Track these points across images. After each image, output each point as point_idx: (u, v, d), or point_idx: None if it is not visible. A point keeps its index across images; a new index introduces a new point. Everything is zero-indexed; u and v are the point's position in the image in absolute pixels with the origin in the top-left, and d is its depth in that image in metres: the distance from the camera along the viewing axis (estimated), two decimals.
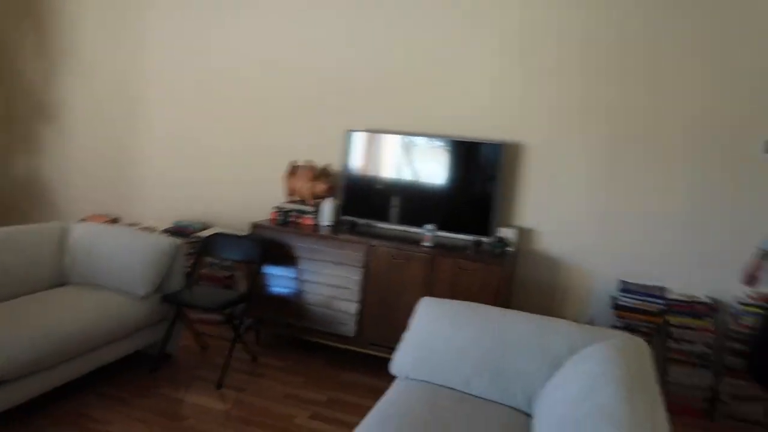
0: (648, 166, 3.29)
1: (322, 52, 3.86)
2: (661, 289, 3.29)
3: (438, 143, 3.49)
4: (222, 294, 3.19)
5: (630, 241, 3.36)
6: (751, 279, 2.69)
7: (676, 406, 3.15)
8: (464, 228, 3.49)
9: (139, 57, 4.37)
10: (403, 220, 3.62)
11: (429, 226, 3.30)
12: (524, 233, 3.53)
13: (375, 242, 3.31)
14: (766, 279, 3.07)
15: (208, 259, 3.87)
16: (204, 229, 4.20)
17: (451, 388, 2.20)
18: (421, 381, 2.26)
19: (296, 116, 3.97)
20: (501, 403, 2.15)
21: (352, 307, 3.36)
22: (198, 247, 3.57)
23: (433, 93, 3.63)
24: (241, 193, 4.16)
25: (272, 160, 4.05)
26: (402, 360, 2.33)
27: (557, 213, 3.47)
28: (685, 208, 3.25)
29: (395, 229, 3.68)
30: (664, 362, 3.19)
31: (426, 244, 3.30)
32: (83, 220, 4.42)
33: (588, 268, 3.45)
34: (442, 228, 3.48)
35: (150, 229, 4.35)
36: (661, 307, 3.17)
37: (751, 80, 3.07)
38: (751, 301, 3.06)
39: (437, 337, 2.30)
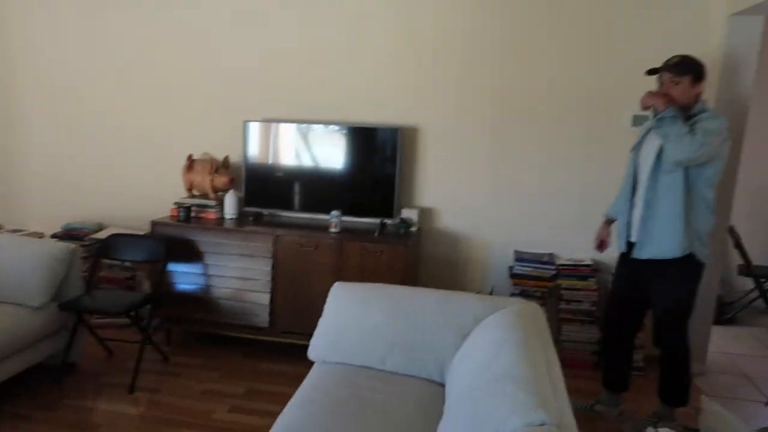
0: (531, 143, 3.54)
1: (212, 44, 3.77)
2: (551, 255, 3.58)
3: (336, 130, 3.55)
4: (125, 296, 3.09)
5: (521, 213, 3.62)
6: (600, 244, 3.03)
7: (570, 362, 3.46)
8: (368, 212, 3.59)
9: (17, 47, 4.04)
10: (308, 207, 3.66)
11: (335, 212, 3.37)
12: (425, 213, 3.69)
13: (281, 232, 3.34)
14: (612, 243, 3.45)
15: (107, 262, 3.70)
16: (99, 230, 4.01)
17: (368, 367, 2.31)
18: (338, 363, 2.35)
19: (190, 110, 3.87)
20: (416, 376, 2.28)
21: (264, 298, 3.37)
22: (95, 250, 3.41)
23: (328, 80, 3.68)
24: (138, 190, 4.01)
25: (168, 155, 3.93)
26: (318, 345, 2.40)
27: (454, 192, 3.66)
28: (564, 181, 3.54)
29: (300, 218, 3.72)
30: (558, 322, 3.48)
31: (333, 230, 3.37)
32: None
33: (485, 241, 3.68)
34: (346, 213, 3.56)
35: (36, 235, 4.09)
36: (552, 272, 3.46)
37: (624, 61, 3.38)
38: None
39: (350, 320, 2.39)
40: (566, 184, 3.55)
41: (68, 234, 3.90)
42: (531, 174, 3.57)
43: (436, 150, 3.64)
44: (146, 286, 3.83)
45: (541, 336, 2.04)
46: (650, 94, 2.58)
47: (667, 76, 2.59)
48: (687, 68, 2.56)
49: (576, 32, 3.40)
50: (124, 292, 3.18)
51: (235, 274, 3.39)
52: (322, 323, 2.46)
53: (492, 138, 3.57)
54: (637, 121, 3.40)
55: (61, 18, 3.94)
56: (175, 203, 3.61)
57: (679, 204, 2.55)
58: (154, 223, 3.46)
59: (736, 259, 4.54)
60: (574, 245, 3.60)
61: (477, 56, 3.51)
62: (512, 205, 3.62)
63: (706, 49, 3.19)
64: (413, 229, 3.52)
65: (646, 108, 2.64)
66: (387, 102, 3.63)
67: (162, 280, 3.29)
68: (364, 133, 3.53)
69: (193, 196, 3.74)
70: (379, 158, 3.53)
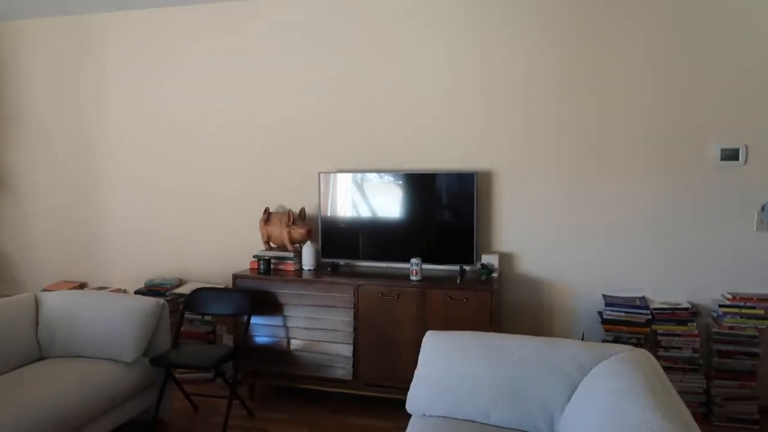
0: (609, 180, 3.42)
1: (281, 96, 3.88)
2: (642, 299, 3.39)
3: (410, 177, 3.54)
4: (211, 351, 3.08)
5: (604, 255, 3.46)
6: None
7: None
8: (447, 259, 3.52)
9: (93, 116, 4.28)
10: (384, 256, 3.62)
11: (415, 260, 3.31)
12: (504, 258, 3.59)
13: (362, 281, 3.29)
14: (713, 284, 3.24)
15: (188, 317, 3.74)
16: (179, 285, 4.08)
17: (472, 421, 2.19)
18: (439, 417, 2.24)
19: (264, 163, 3.95)
20: (522, 430, 2.15)
21: (347, 350, 3.31)
22: (181, 305, 3.45)
23: (396, 127, 3.69)
24: (215, 244, 4.08)
25: (243, 209, 4.00)
26: (416, 397, 2.30)
27: (532, 235, 3.55)
28: (650, 218, 3.39)
29: (377, 266, 3.68)
30: None
31: (414, 278, 3.30)
32: (46, 289, 4.21)
33: (569, 286, 3.53)
34: (425, 261, 3.50)
35: (120, 291, 4.19)
36: (647, 317, 3.27)
37: (702, 89, 3.27)
38: (729, 303, 3.19)
39: (449, 370, 2.29)
40: (652, 223, 3.39)
41: (150, 290, 3.98)
42: (611, 213, 3.44)
43: (510, 193, 3.57)
44: (227, 339, 3.83)
45: (662, 383, 1.89)
46: None
47: None
48: None
49: (651, 61, 3.32)
50: (209, 346, 3.18)
51: (317, 325, 3.35)
52: (419, 374, 2.36)
53: (568, 177, 3.48)
54: (725, 154, 3.25)
55: (131, 81, 4.16)
56: (255, 256, 3.64)
57: None
58: (236, 276, 3.49)
59: None
60: (666, 287, 3.41)
61: (544, 94, 3.46)
62: (594, 246, 3.48)
63: None
64: (495, 275, 3.42)
65: None
66: (457, 147, 3.61)
67: (246, 334, 3.28)
68: (440, 179, 3.50)
69: (271, 249, 3.77)
70: (456, 204, 3.48)
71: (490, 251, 3.59)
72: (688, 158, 3.32)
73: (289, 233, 3.65)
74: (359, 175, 3.63)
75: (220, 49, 3.97)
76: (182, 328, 3.79)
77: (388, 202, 3.60)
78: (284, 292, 3.41)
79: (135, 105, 4.19)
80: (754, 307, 3.16)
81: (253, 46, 3.91)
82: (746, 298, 3.19)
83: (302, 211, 3.75)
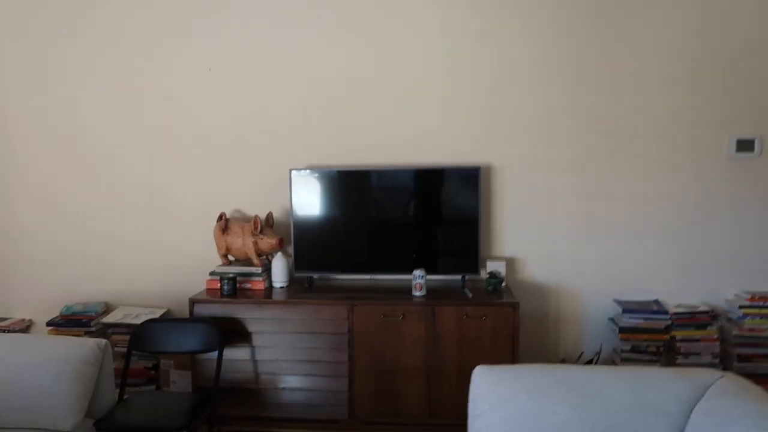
0: (617, 177, 3.11)
1: (245, 82, 3.19)
2: (657, 302, 3.12)
3: (400, 174, 3.02)
4: (175, 401, 2.40)
5: (613, 257, 3.15)
6: None
7: None
8: (447, 267, 3.04)
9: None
10: (372, 268, 3.08)
11: (418, 272, 2.80)
12: (508, 263, 3.17)
13: (359, 300, 2.74)
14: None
15: (117, 350, 2.97)
16: (105, 312, 3.28)
17: None
18: None
19: (216, 161, 3.24)
20: None
21: (341, 384, 2.74)
22: (111, 336, 2.71)
23: (383, 118, 3.15)
24: (155, 260, 3.30)
25: (193, 215, 3.26)
26: None
27: (537, 237, 3.16)
28: (661, 214, 3.12)
29: (360, 280, 3.13)
30: None
31: (418, 293, 2.79)
32: None
33: (577, 291, 3.18)
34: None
35: (25, 323, 3.32)
36: (666, 322, 2.99)
37: (715, 80, 3.03)
38: (749, 303, 2.99)
39: (524, 418, 1.81)
40: (662, 222, 3.12)
41: (68, 319, 3.16)
42: (621, 212, 3.13)
43: (512, 190, 3.15)
44: (176, 377, 3.10)
45: None
46: None
47: None
48: None
49: (665, 47, 3.02)
50: (169, 395, 2.49)
51: (302, 356, 2.75)
52: (477, 425, 1.87)
53: (574, 173, 3.12)
54: (742, 146, 3.03)
55: (41, 55, 3.28)
56: (214, 273, 2.96)
57: None
58: (194, 301, 2.79)
59: None
60: (678, 289, 3.15)
61: (551, 82, 3.07)
62: (603, 248, 3.15)
63: None
64: (504, 284, 2.99)
65: None
66: (454, 140, 3.13)
67: (219, 375, 2.59)
68: (435, 176, 3.01)
69: (230, 263, 3.09)
70: (456, 205, 3.01)
71: (492, 257, 3.16)
72: (701, 151, 3.07)
73: (255, 244, 2.99)
74: (340, 172, 3.05)
75: (160, 22, 3.20)
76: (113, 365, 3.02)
77: (374, 205, 3.05)
78: (257, 318, 2.77)
79: (46, 87, 3.30)
80: None
81: (205, 20, 3.17)
82: (765, 297, 3.00)
83: (270, 216, 3.10)
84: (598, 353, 3.06)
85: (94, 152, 3.29)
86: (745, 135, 3.03)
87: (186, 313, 2.90)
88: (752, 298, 3.00)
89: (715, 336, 2.99)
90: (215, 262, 3.13)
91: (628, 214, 3.12)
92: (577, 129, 3.09)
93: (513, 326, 2.67)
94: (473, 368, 2.57)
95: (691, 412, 1.79)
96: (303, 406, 2.74)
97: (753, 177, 3.06)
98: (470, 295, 2.78)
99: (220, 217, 3.09)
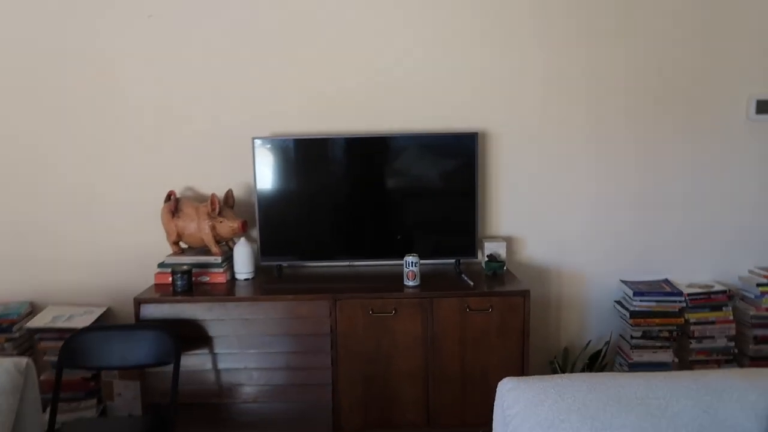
0: (626, 146, 2.76)
1: (191, 30, 2.64)
2: (668, 282, 2.82)
3: (385, 142, 2.57)
4: (121, 430, 1.91)
5: (618, 233, 2.83)
6: None
7: None
8: (440, 250, 2.64)
9: None
10: (353, 253, 2.65)
11: (411, 258, 2.38)
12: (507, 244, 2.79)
13: (342, 293, 2.30)
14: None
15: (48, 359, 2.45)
16: (30, 314, 2.73)
17: None
18: None
19: (165, 126, 2.69)
20: None
21: (324, 394, 2.31)
22: (38, 343, 2.19)
23: (364, 75, 2.67)
24: (90, 248, 2.75)
25: (135, 194, 2.72)
26: None
27: (536, 213, 2.79)
28: (668, 190, 2.80)
29: (338, 267, 2.70)
30: (690, 366, 2.73)
31: (410, 283, 2.38)
32: None
33: (580, 272, 2.85)
34: (401, 254, 2.59)
35: None
36: (681, 304, 2.70)
37: (737, 29, 2.70)
38: (767, 281, 2.73)
39: None
40: (671, 194, 2.81)
41: None
42: (627, 184, 2.79)
43: (508, 161, 2.75)
44: (120, 389, 2.60)
45: None
46: None
47: None
48: None
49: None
50: (112, 422, 2.00)
51: (275, 363, 2.31)
52: None
53: (578, 141, 2.75)
54: (762, 107, 2.73)
55: None
56: (165, 265, 2.45)
57: None
58: (140, 301, 2.29)
59: None
60: (689, 266, 2.87)
61: (554, 32, 2.67)
62: (610, 223, 2.82)
63: None
64: (505, 268, 2.61)
65: None
66: (443, 101, 2.69)
67: (175, 392, 2.11)
68: (425, 143, 2.57)
69: (182, 252, 2.59)
70: (449, 177, 2.60)
71: (489, 237, 2.77)
72: (717, 113, 2.75)
73: (213, 228, 2.50)
74: (313, 140, 2.57)
75: None
76: (42, 377, 2.50)
77: (354, 179, 2.60)
78: (218, 319, 2.30)
79: None
80: None
81: None
82: None
83: (229, 195, 2.60)
84: (608, 342, 2.75)
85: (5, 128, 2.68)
86: (766, 95, 2.73)
87: (130, 314, 2.39)
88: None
89: (731, 317, 2.73)
90: (165, 251, 2.61)
91: (639, 185, 2.79)
92: (581, 90, 2.71)
93: (523, 318, 2.30)
94: (478, 369, 2.23)
95: None
96: (278, 421, 2.30)
97: None
98: (471, 284, 2.39)
99: (169, 197, 2.57)
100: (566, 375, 1.62)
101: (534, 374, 2.63)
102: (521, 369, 2.32)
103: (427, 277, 2.46)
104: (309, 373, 2.30)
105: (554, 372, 2.58)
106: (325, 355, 2.30)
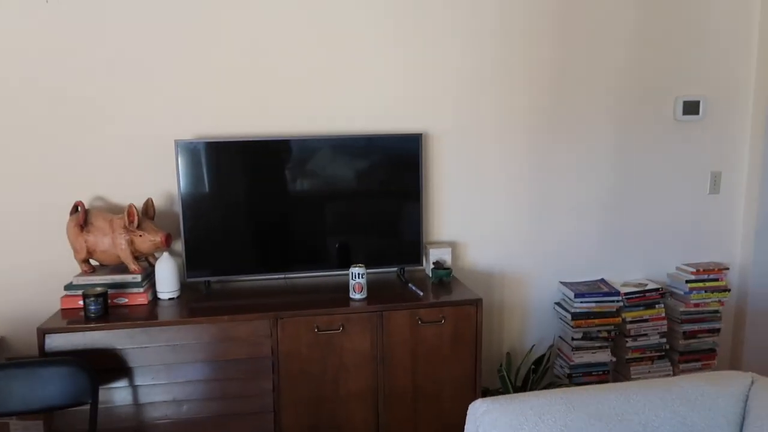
0: (563, 144, 2.75)
1: (101, 22, 2.32)
2: (604, 282, 2.86)
3: (320, 144, 2.39)
4: None
5: (558, 231, 2.82)
6: None
7: None
8: (381, 259, 2.49)
9: None
10: (288, 265, 2.44)
11: (357, 270, 2.22)
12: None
13: (283, 310, 2.10)
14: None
15: None
16: None
17: None
18: None
19: (71, 127, 2.35)
20: None
21: (263, 423, 2.10)
22: None
23: (297, 72, 2.48)
24: None
25: (35, 208, 2.35)
26: None
27: (476, 217, 2.72)
28: (599, 190, 2.82)
29: (273, 279, 2.49)
30: (627, 365, 2.77)
31: (357, 296, 2.22)
32: None
33: (522, 276, 2.81)
34: (338, 265, 2.43)
35: None
36: (618, 304, 2.73)
37: (667, 33, 2.76)
38: (695, 277, 2.82)
39: None
40: (603, 195, 2.83)
41: None
42: (561, 185, 2.78)
43: (450, 163, 2.66)
44: (19, 430, 2.24)
45: None
46: None
47: None
48: None
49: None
50: None
51: (208, 392, 2.07)
52: None
53: (514, 145, 2.70)
54: (688, 108, 2.82)
55: None
56: (73, 287, 2.13)
57: None
58: (45, 332, 1.96)
59: None
60: (621, 265, 2.92)
61: (494, 33, 2.61)
62: (545, 224, 2.80)
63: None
64: (453, 275, 2.52)
65: None
66: (378, 100, 2.54)
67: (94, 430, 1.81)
68: (364, 146, 2.42)
69: (93, 271, 2.27)
70: (391, 181, 2.46)
71: (432, 242, 2.67)
72: (649, 115, 2.81)
73: (131, 243, 2.20)
74: (243, 143, 2.34)
75: None
76: None
77: (287, 184, 2.39)
78: (142, 347, 2.03)
79: None
80: (717, 279, 2.84)
81: None
82: (709, 270, 2.85)
83: (149, 204, 2.31)
84: (552, 346, 2.73)
85: None
86: (691, 96, 2.82)
87: (33, 346, 2.05)
88: (697, 272, 2.83)
89: (663, 314, 2.80)
90: (73, 270, 2.28)
91: (571, 184, 2.79)
92: (522, 87, 2.66)
93: (476, 328, 2.20)
94: (431, 384, 2.12)
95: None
96: None
97: (696, 141, 2.87)
98: (420, 293, 2.27)
99: (76, 208, 2.25)
100: (541, 393, 1.54)
101: (483, 385, 2.56)
102: (474, 381, 2.23)
103: (372, 289, 2.31)
104: (247, 401, 2.08)
105: (503, 381, 2.52)
106: (266, 379, 2.09)
